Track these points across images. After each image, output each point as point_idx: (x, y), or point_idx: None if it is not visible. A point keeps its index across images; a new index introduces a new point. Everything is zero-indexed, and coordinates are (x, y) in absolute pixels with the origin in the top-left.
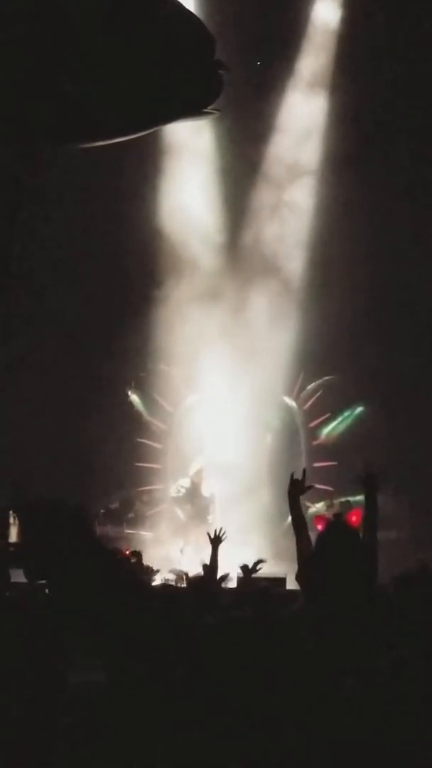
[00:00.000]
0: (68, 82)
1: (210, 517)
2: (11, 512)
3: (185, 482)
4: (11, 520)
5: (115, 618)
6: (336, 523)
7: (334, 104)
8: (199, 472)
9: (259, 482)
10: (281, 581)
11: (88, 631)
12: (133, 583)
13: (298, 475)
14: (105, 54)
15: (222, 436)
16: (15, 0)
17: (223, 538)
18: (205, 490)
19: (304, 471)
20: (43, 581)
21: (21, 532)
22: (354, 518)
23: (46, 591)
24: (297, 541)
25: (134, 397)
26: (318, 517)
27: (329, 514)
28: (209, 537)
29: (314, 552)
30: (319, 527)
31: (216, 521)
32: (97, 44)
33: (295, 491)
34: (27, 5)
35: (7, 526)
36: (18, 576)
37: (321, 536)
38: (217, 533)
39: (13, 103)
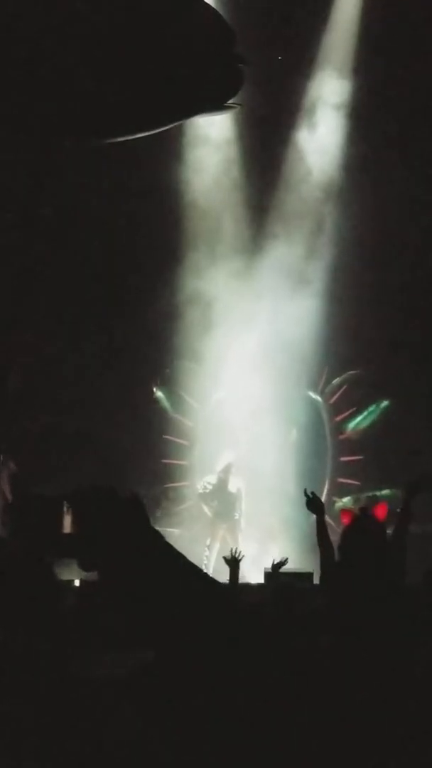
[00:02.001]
0: (90, 79)
1: (237, 514)
2: (65, 502)
3: (212, 479)
4: (64, 509)
5: (170, 610)
6: (362, 517)
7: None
8: (227, 468)
9: (285, 478)
10: (308, 576)
11: (137, 623)
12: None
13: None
14: (126, 50)
15: (248, 432)
16: None
17: (240, 558)
18: (232, 486)
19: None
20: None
21: (75, 522)
22: (380, 512)
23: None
24: (321, 550)
25: (160, 394)
26: (344, 511)
27: (355, 509)
28: (225, 560)
29: (340, 545)
30: (345, 521)
31: (243, 517)
32: (118, 40)
33: (313, 509)
34: (51, 2)
35: (60, 516)
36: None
37: (346, 530)
38: (234, 554)
39: (36, 99)
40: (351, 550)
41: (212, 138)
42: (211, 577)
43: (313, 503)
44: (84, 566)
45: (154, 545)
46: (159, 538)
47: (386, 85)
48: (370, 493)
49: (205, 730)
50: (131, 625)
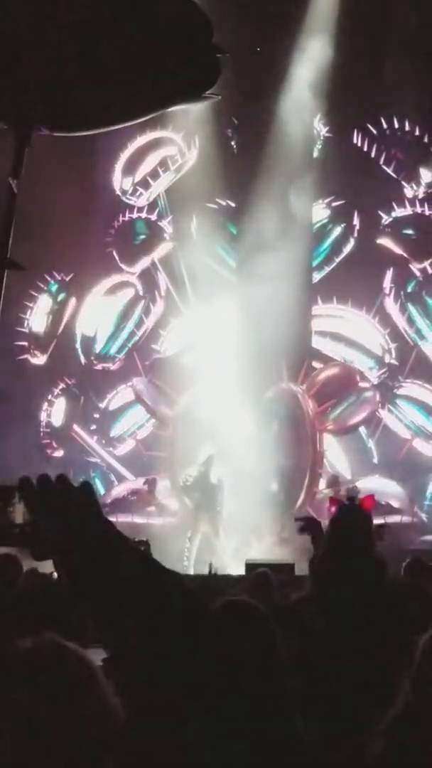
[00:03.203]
0: (63, 71)
1: (218, 505)
2: (14, 492)
3: (193, 471)
4: (15, 498)
5: (123, 598)
6: (350, 507)
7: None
8: (208, 460)
9: (266, 469)
10: (289, 567)
11: (95, 615)
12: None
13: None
14: (100, 41)
15: (229, 423)
16: None
17: (216, 572)
18: (214, 478)
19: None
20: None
21: (26, 510)
22: (367, 502)
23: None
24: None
25: (139, 386)
26: (331, 499)
27: (342, 497)
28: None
29: (328, 534)
30: (332, 508)
31: (224, 509)
32: (92, 31)
33: (311, 531)
34: None
35: (11, 505)
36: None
37: (335, 519)
38: (211, 571)
39: (11, 89)
40: (340, 538)
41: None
42: (160, 563)
43: (308, 527)
44: (37, 555)
45: (106, 533)
46: (111, 526)
47: None
48: (352, 486)
49: (178, 725)
50: (85, 615)
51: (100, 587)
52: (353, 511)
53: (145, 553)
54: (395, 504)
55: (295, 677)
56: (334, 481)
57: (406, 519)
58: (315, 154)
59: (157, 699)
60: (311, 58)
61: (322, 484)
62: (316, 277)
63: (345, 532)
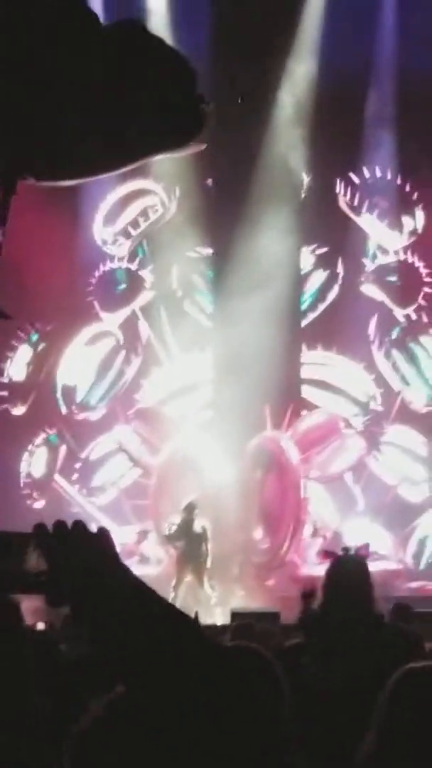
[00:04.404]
0: (50, 120)
1: (202, 554)
2: (30, 540)
3: (176, 519)
4: (30, 546)
5: (142, 645)
6: (346, 558)
7: None
8: (190, 508)
9: (251, 518)
10: (275, 616)
11: (107, 657)
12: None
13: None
14: (86, 91)
15: (212, 471)
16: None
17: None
18: (197, 527)
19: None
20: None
21: (42, 557)
22: (363, 551)
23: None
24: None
25: (121, 435)
26: (325, 552)
27: (336, 549)
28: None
29: (325, 585)
30: (326, 561)
31: (209, 558)
32: (78, 80)
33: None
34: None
35: (25, 552)
36: None
37: (331, 571)
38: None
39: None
40: (339, 591)
41: None
42: (182, 612)
43: (309, 595)
44: (53, 603)
45: (124, 580)
46: (129, 572)
47: None
48: (338, 530)
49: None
50: (102, 660)
51: (117, 634)
52: (349, 562)
53: (163, 599)
54: (381, 551)
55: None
56: (315, 530)
57: (392, 566)
58: (300, 200)
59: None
60: (294, 107)
61: (307, 531)
62: (301, 324)
63: (343, 585)
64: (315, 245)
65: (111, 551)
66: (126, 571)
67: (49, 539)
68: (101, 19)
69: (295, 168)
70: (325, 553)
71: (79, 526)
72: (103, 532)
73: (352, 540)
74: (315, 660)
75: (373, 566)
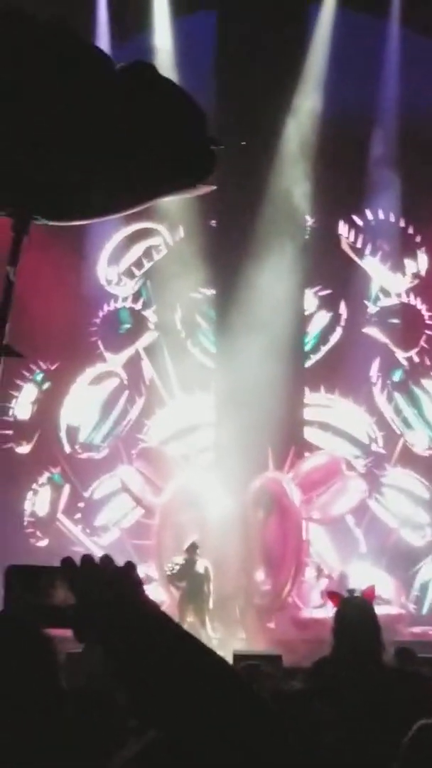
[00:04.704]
0: (62, 163)
1: (204, 595)
2: (58, 574)
3: (178, 559)
4: (57, 582)
5: (172, 683)
6: (352, 600)
7: None
8: (192, 548)
9: (253, 559)
10: (277, 659)
11: (136, 697)
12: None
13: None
14: (97, 133)
15: (215, 512)
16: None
17: None
18: (200, 567)
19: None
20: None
21: (69, 592)
22: (369, 593)
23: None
24: None
25: (124, 475)
26: (330, 593)
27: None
28: None
29: (335, 628)
30: (331, 601)
31: (210, 598)
32: (89, 123)
33: None
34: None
35: (52, 586)
36: None
37: (339, 614)
38: None
39: (6, 180)
40: (345, 631)
41: None
42: (212, 650)
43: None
44: (80, 637)
45: (152, 615)
46: (156, 607)
47: None
48: (342, 571)
49: None
50: (130, 700)
51: (145, 670)
52: (356, 604)
53: (190, 635)
54: (383, 595)
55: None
56: (319, 572)
57: (394, 610)
58: (303, 242)
59: None
60: (299, 145)
61: (309, 573)
62: (304, 365)
63: (351, 628)
64: (318, 287)
65: (138, 586)
66: (153, 605)
67: (77, 573)
68: (110, 57)
69: (298, 209)
70: (330, 594)
71: (107, 560)
72: (129, 567)
73: (355, 583)
74: (325, 705)
75: (376, 610)
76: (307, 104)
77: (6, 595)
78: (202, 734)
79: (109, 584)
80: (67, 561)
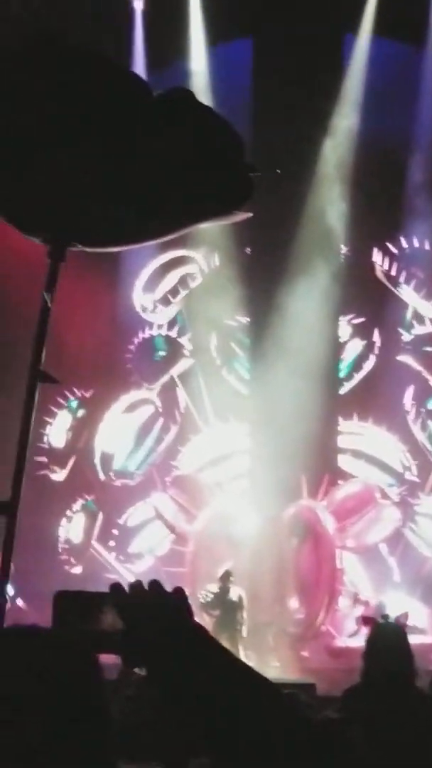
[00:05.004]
0: (99, 188)
1: (238, 623)
2: (104, 599)
3: (212, 587)
4: (106, 607)
5: (223, 709)
6: (385, 624)
7: None
8: (225, 576)
9: (286, 587)
10: (311, 687)
11: (186, 723)
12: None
13: None
14: (134, 159)
15: (248, 540)
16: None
17: None
18: (233, 595)
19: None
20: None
21: (119, 617)
22: (402, 619)
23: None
24: None
25: (158, 502)
26: (364, 618)
27: (376, 616)
28: None
29: (365, 652)
30: (366, 627)
31: (244, 627)
32: (127, 150)
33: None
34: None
35: (102, 612)
36: None
37: (371, 638)
38: None
39: (43, 206)
40: (377, 655)
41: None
42: (256, 672)
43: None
44: (129, 663)
45: (201, 641)
46: (206, 633)
47: None
48: (378, 601)
49: None
50: (182, 727)
51: (196, 696)
52: (388, 629)
53: (243, 663)
54: (418, 624)
55: None
56: (356, 599)
57: (429, 640)
58: (338, 270)
59: None
60: (330, 181)
61: (343, 602)
62: (338, 392)
63: (382, 652)
64: (352, 315)
65: (188, 611)
66: (204, 632)
67: (127, 598)
68: (147, 81)
69: (333, 237)
70: (365, 620)
71: (156, 585)
72: (179, 593)
73: (390, 611)
74: (360, 732)
75: (410, 639)
76: (343, 131)
77: (54, 620)
78: (254, 760)
79: (159, 610)
80: (116, 586)
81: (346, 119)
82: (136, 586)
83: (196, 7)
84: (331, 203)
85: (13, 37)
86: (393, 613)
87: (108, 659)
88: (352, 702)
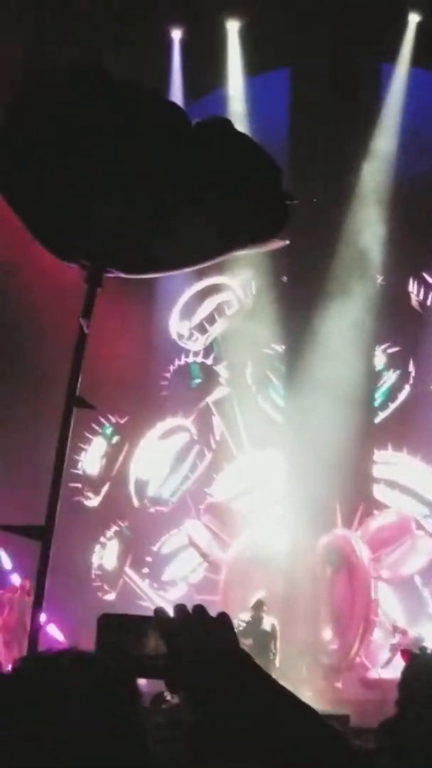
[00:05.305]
0: (137, 214)
1: (271, 652)
2: (147, 623)
3: (245, 616)
4: (149, 631)
5: (265, 736)
6: (422, 656)
7: None
8: (258, 605)
9: (320, 617)
10: (344, 719)
11: (228, 748)
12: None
13: None
14: (172, 186)
15: (282, 568)
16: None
17: None
18: (266, 624)
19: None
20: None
21: (162, 641)
22: None
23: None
24: None
25: (192, 530)
26: (403, 650)
27: (413, 648)
28: None
29: (400, 684)
30: (404, 659)
31: (277, 656)
32: (163, 176)
33: None
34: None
35: (145, 635)
36: None
37: (407, 669)
38: None
39: (81, 231)
40: (412, 687)
41: None
42: (299, 699)
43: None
44: (172, 687)
45: (244, 667)
46: (249, 659)
47: None
48: (417, 634)
49: None
50: (222, 751)
51: (238, 723)
52: (425, 660)
53: (286, 690)
54: None
55: None
56: (395, 627)
57: None
58: (373, 299)
59: None
60: (366, 209)
61: (377, 633)
62: (373, 422)
63: (418, 684)
64: (387, 344)
65: (231, 637)
66: (248, 657)
67: (171, 623)
68: (185, 112)
69: (368, 266)
70: (402, 652)
71: (200, 610)
72: (223, 618)
73: (427, 643)
74: (396, 764)
75: None
76: (380, 162)
77: (96, 643)
78: None
79: (204, 635)
80: (160, 610)
81: (383, 150)
82: (181, 610)
83: (234, 38)
84: (367, 230)
85: (56, 68)
86: (430, 644)
87: (140, 684)
88: (388, 733)
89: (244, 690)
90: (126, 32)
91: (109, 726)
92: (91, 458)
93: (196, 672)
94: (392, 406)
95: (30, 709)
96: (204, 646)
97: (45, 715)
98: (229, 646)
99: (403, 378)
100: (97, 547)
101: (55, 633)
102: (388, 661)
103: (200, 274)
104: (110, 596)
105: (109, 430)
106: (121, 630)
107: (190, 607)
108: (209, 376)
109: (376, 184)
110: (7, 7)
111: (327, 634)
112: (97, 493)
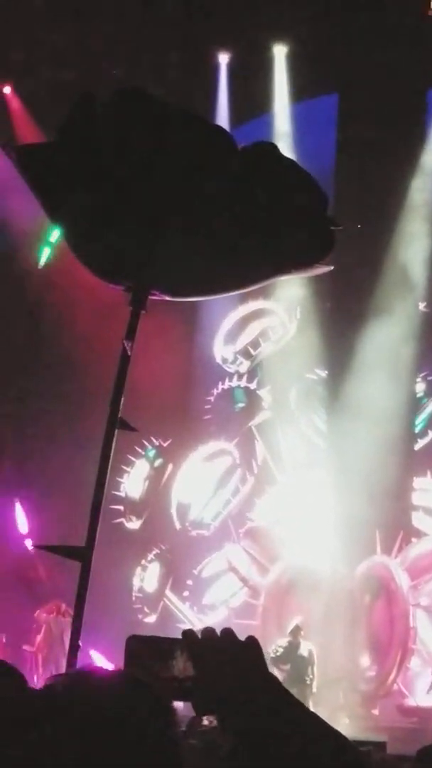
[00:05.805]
0: (181, 237)
1: (308, 678)
2: (176, 644)
3: (283, 642)
4: (178, 653)
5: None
6: None
7: None
8: (295, 631)
9: (358, 644)
10: (381, 746)
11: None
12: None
13: None
14: (217, 212)
15: (321, 594)
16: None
17: None
18: (303, 650)
19: None
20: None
21: (191, 664)
22: None
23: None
24: None
25: (232, 554)
26: None
27: None
28: None
29: None
30: None
31: (315, 682)
32: (209, 201)
33: None
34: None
35: (173, 658)
36: None
37: None
38: None
39: (126, 254)
40: None
41: None
42: (327, 724)
43: None
44: (200, 710)
45: (274, 691)
46: (277, 683)
47: None
48: None
49: None
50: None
51: (265, 745)
52: None
53: (312, 712)
54: None
55: None
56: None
57: None
58: (415, 326)
59: None
60: (411, 236)
61: (414, 660)
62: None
63: None
64: (426, 371)
65: (260, 661)
66: (276, 682)
67: (199, 645)
68: (232, 137)
69: (411, 293)
70: None
71: (229, 634)
72: (252, 641)
73: None
74: None
75: None
76: (428, 178)
77: (125, 664)
78: None
79: (232, 658)
80: (188, 633)
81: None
82: (209, 633)
83: (281, 63)
84: (412, 247)
85: (105, 93)
86: None
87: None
88: (426, 760)
89: (273, 714)
90: (173, 56)
91: (143, 746)
92: (133, 480)
93: (224, 695)
94: (431, 434)
95: (60, 727)
96: (231, 669)
97: (75, 733)
98: (257, 669)
99: None
100: (138, 570)
101: (94, 654)
102: (430, 689)
103: (244, 298)
104: (150, 619)
105: (152, 453)
106: (150, 651)
107: (221, 630)
108: (252, 401)
109: (423, 200)
110: (60, 31)
111: (365, 660)
112: (139, 515)
